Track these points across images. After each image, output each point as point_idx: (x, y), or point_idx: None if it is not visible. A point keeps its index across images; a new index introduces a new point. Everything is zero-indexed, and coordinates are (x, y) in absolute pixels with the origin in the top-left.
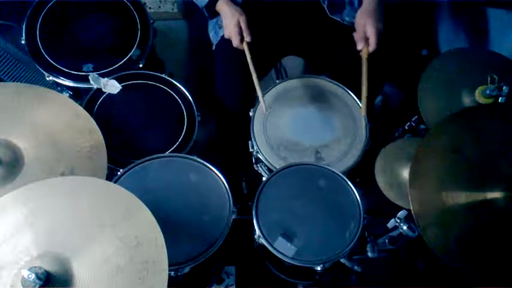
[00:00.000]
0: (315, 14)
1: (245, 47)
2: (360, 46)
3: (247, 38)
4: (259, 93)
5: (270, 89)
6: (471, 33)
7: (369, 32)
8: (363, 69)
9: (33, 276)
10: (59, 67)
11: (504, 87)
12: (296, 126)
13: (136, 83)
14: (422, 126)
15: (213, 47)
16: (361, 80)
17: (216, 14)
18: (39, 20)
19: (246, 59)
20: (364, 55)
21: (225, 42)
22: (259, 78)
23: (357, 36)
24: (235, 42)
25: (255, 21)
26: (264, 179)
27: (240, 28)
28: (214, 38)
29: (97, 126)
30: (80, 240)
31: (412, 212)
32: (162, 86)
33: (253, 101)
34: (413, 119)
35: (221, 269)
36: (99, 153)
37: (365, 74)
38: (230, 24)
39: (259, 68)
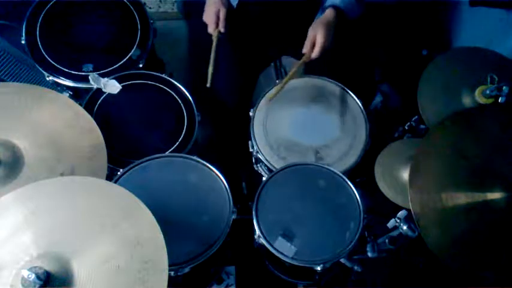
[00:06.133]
0: (312, 14)
1: (215, 36)
2: (304, 50)
3: (221, 29)
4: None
5: (270, 89)
6: (471, 33)
7: (318, 41)
8: (297, 65)
9: (33, 276)
10: (59, 67)
11: (504, 87)
12: (296, 126)
13: (136, 83)
14: (422, 126)
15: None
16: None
17: None
18: (39, 20)
19: (212, 46)
20: (305, 59)
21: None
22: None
23: (307, 42)
24: (210, 29)
25: (252, 21)
26: (264, 179)
27: (218, 17)
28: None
29: (97, 126)
30: (80, 240)
31: (412, 212)
32: (162, 86)
33: (251, 99)
34: (413, 119)
35: (221, 269)
36: (99, 153)
37: (293, 70)
38: (210, 10)
39: (255, 66)
